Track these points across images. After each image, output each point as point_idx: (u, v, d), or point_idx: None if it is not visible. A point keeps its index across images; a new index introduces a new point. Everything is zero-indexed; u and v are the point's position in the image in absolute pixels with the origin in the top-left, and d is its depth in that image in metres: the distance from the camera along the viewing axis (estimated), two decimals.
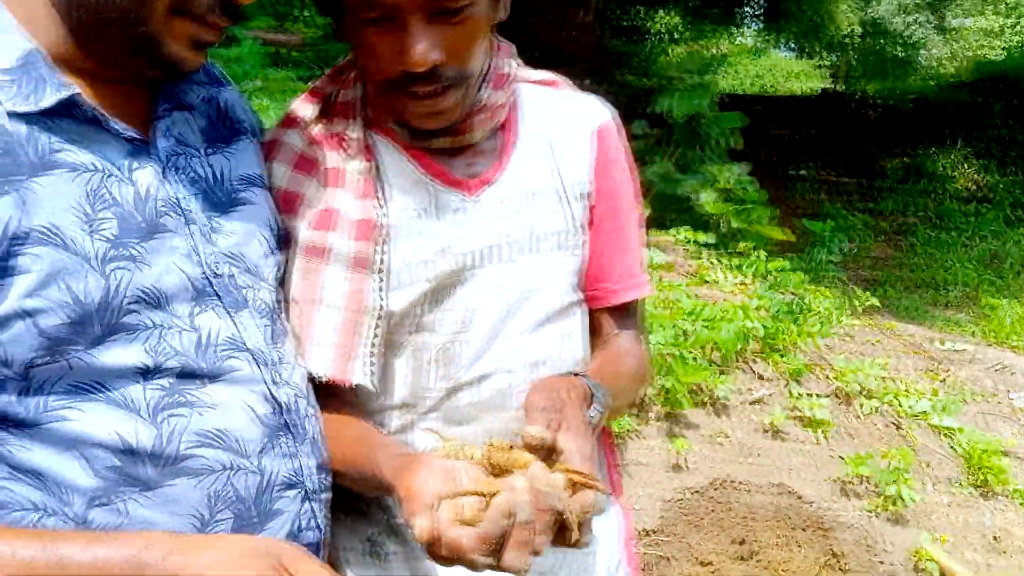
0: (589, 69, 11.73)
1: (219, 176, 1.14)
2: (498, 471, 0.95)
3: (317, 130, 1.26)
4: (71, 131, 0.97)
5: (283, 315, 1.19)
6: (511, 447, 0.97)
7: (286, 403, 1.11)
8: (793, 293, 4.34)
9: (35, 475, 0.95)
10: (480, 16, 1.13)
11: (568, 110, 1.36)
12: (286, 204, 1.22)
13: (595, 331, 1.40)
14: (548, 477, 0.91)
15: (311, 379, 1.20)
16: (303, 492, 1.13)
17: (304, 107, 1.28)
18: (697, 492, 3.38)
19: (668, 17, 21.29)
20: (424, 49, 1.09)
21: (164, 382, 1.00)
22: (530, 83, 1.38)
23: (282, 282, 1.22)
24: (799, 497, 3.50)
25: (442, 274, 1.21)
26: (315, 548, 1.16)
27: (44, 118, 0.95)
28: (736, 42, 27.62)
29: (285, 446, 1.10)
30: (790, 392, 3.81)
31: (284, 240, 1.22)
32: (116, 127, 1.00)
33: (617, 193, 1.36)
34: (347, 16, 1.13)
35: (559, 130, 1.33)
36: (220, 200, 1.12)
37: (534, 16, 12.67)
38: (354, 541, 1.30)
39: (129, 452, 0.97)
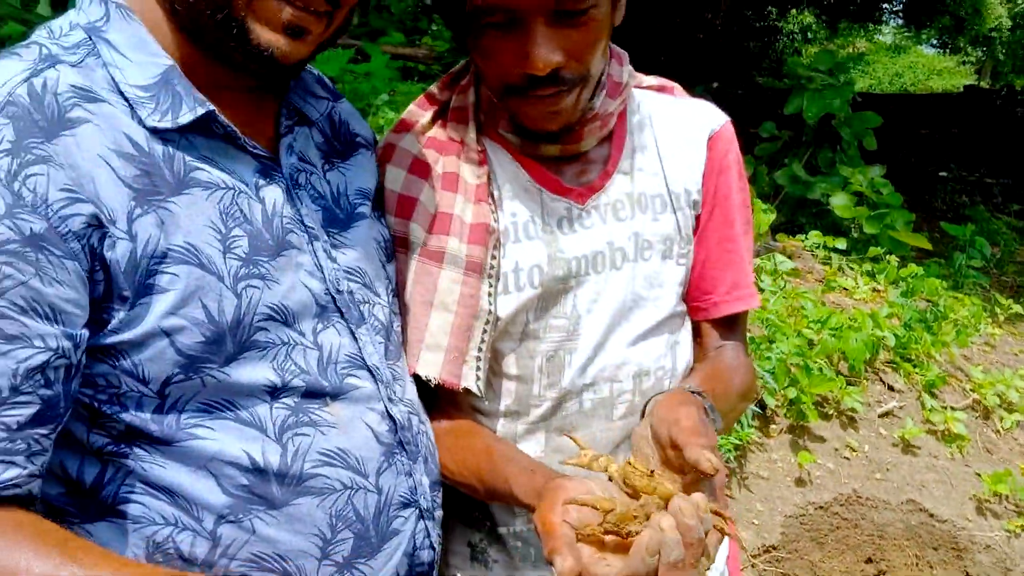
0: (719, 71, 11.55)
1: (337, 192, 1.15)
2: (633, 493, 0.95)
3: (432, 135, 1.28)
4: (205, 148, 0.99)
5: (396, 330, 1.19)
6: (652, 472, 0.95)
7: (401, 420, 1.11)
8: (928, 300, 4.14)
9: (168, 491, 0.97)
10: (600, 18, 1.13)
11: (681, 116, 1.35)
12: (401, 207, 1.24)
13: (698, 341, 1.39)
14: (693, 511, 0.88)
15: (420, 383, 1.21)
16: (418, 511, 1.14)
17: (419, 112, 1.31)
18: (822, 508, 3.27)
19: (802, 16, 20.77)
20: (546, 52, 1.09)
21: (290, 401, 1.01)
22: (643, 88, 1.39)
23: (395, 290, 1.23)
24: (932, 515, 3.35)
25: (550, 280, 1.22)
26: (430, 567, 1.17)
27: (180, 135, 0.97)
28: (875, 40, 26.67)
29: (401, 464, 1.11)
30: (923, 405, 3.64)
31: (393, 245, 1.24)
32: (247, 144, 1.02)
33: (728, 201, 1.34)
34: (470, 22, 1.14)
35: (670, 136, 1.32)
36: (339, 216, 1.14)
37: (663, 19, 12.57)
38: (459, 545, 1.31)
39: (257, 471, 0.99)
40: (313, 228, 1.08)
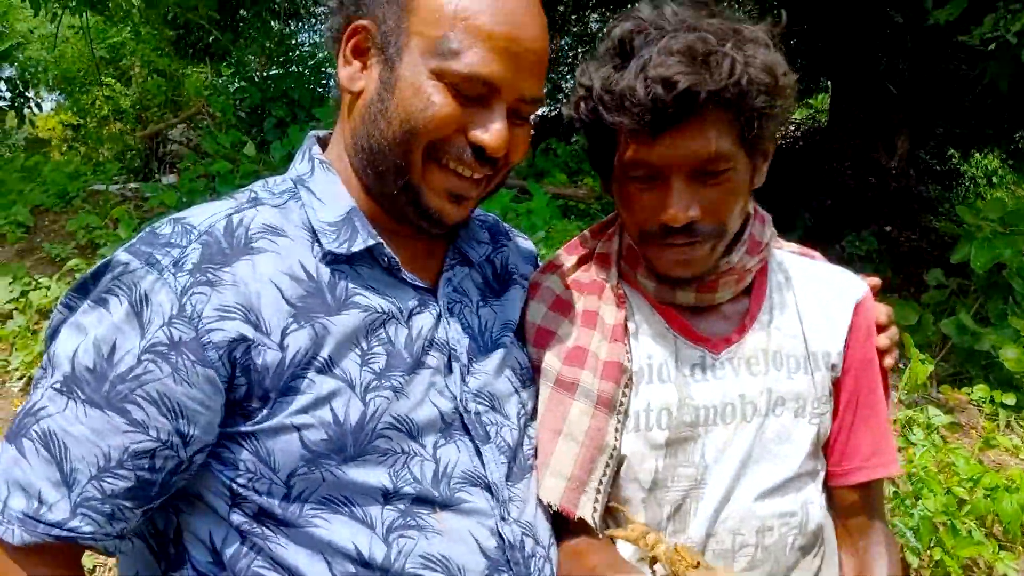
0: (891, 214, 11.31)
1: (485, 325, 1.30)
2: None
3: (575, 277, 1.42)
4: (369, 276, 1.17)
5: (522, 452, 1.29)
6: (698, 563, 1.03)
7: (511, 540, 1.19)
8: None
9: (288, 570, 1.10)
10: (738, 180, 1.26)
11: (823, 279, 1.44)
12: (539, 339, 1.36)
13: (833, 504, 1.44)
14: None
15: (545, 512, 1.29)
16: None
17: (567, 256, 1.45)
18: None
19: (986, 160, 20.12)
20: (683, 207, 1.22)
21: (401, 505, 1.13)
22: (786, 252, 1.49)
23: (534, 415, 1.34)
24: None
25: (680, 425, 1.30)
26: None
27: (350, 266, 1.16)
28: None
29: None
30: None
31: (532, 373, 1.36)
32: (406, 276, 1.20)
33: (870, 368, 1.41)
34: (615, 172, 1.29)
35: (812, 298, 1.41)
36: (481, 346, 1.28)
37: (835, 160, 12.50)
38: None
39: (363, 563, 1.10)
40: (456, 351, 1.21)
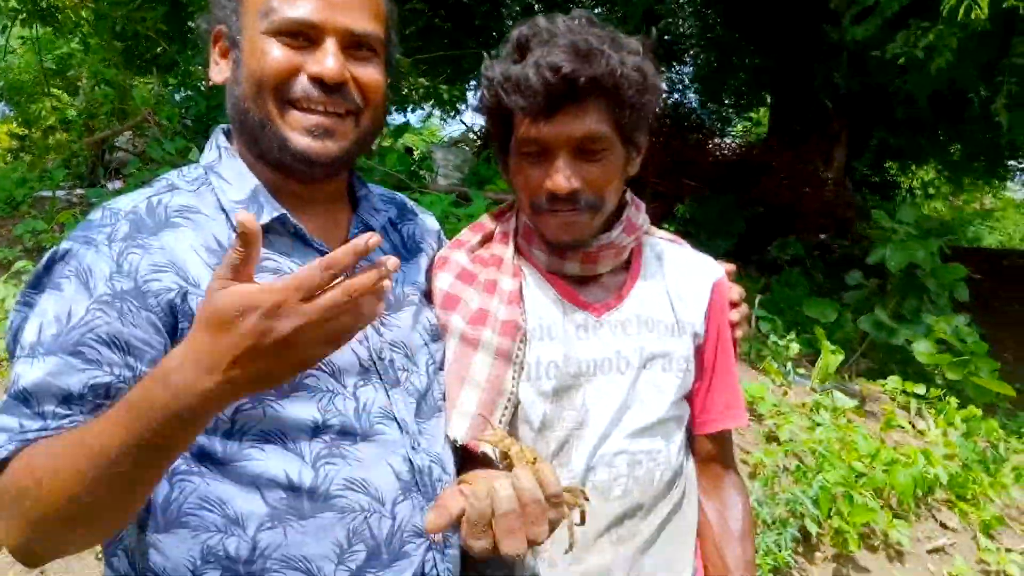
0: (825, 223, 11.73)
1: (394, 285, 1.48)
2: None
3: (479, 252, 1.63)
4: (280, 245, 1.35)
5: (431, 395, 1.48)
6: (535, 459, 1.24)
7: (420, 466, 1.38)
8: (989, 442, 4.18)
9: (220, 504, 1.25)
10: (613, 162, 1.48)
11: (688, 262, 1.69)
12: (447, 303, 1.56)
13: (696, 453, 1.69)
14: (531, 480, 1.17)
15: (453, 448, 1.48)
16: (427, 542, 1.38)
17: (472, 234, 1.66)
18: None
19: (921, 172, 20.78)
20: (566, 177, 1.44)
21: (327, 437, 1.29)
22: (658, 238, 1.73)
23: (442, 366, 1.53)
24: None
25: (565, 375, 1.51)
26: None
27: (262, 233, 1.32)
28: (1000, 196, 26.26)
29: (416, 501, 1.36)
30: (978, 545, 3.68)
31: (439, 331, 1.55)
32: (313, 242, 1.38)
33: (724, 337, 1.66)
34: (511, 152, 1.51)
35: (678, 276, 1.65)
36: (391, 302, 1.47)
37: (772, 172, 12.87)
38: None
39: (293, 488, 1.26)
40: None
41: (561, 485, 1.20)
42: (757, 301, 5.92)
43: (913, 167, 19.80)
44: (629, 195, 1.63)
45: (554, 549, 1.47)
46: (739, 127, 19.91)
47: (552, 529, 1.20)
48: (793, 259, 9.32)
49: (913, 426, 4.72)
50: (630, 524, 1.53)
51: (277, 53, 1.29)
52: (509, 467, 1.27)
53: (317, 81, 1.29)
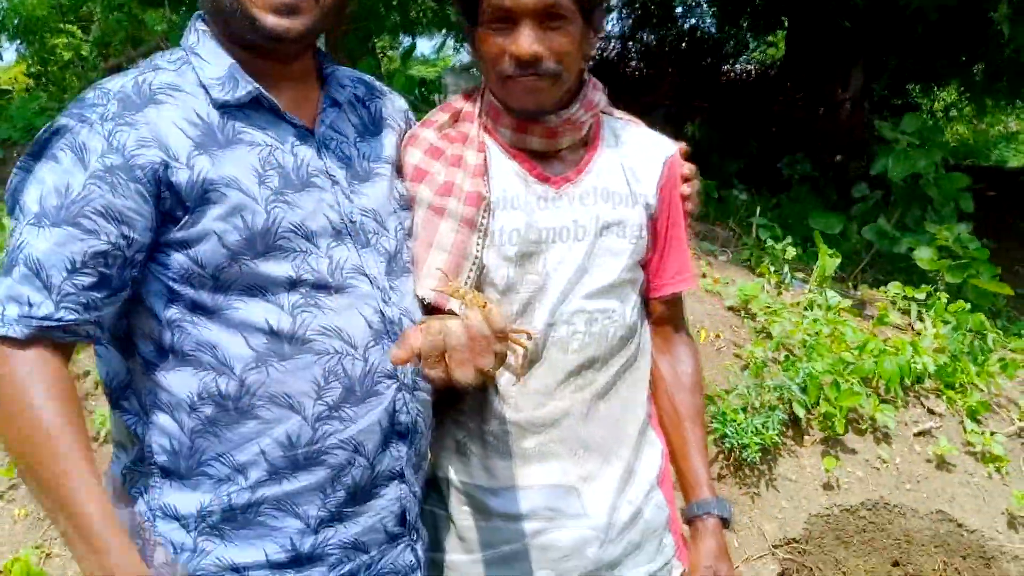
0: (843, 144, 11.70)
1: (362, 156, 1.63)
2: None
3: (446, 130, 1.76)
4: (256, 118, 1.48)
5: (401, 257, 1.62)
6: (485, 304, 1.39)
7: (390, 317, 1.54)
8: (978, 333, 4.31)
9: (211, 347, 1.43)
10: (574, 33, 1.59)
11: (644, 140, 1.82)
12: (416, 176, 1.70)
13: (650, 315, 1.85)
14: (481, 319, 1.32)
15: (422, 305, 1.63)
16: (398, 383, 1.55)
17: (440, 114, 1.79)
18: (848, 511, 3.50)
19: (944, 94, 20.48)
20: (529, 42, 1.55)
21: (303, 290, 1.46)
22: (616, 118, 1.86)
23: (411, 233, 1.68)
24: (960, 525, 3.52)
25: (526, 242, 1.66)
26: (406, 429, 1.57)
27: (237, 109, 1.47)
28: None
29: (386, 347, 1.52)
30: (964, 428, 3.83)
31: (409, 202, 1.69)
32: (287, 116, 1.52)
33: (676, 209, 1.81)
34: (479, 25, 1.62)
35: (634, 153, 1.78)
36: (360, 172, 1.60)
37: (789, 94, 12.79)
38: (447, 441, 1.73)
39: (273, 333, 1.43)
40: (336, 177, 1.54)
41: (506, 323, 1.36)
42: (758, 212, 6.02)
43: (935, 89, 19.53)
44: (587, 75, 1.75)
45: (514, 392, 1.65)
46: (757, 53, 19.66)
47: (500, 362, 1.35)
48: (803, 176, 9.35)
49: (911, 327, 4.84)
50: (587, 375, 1.69)
51: None
52: (430, 311, 1.44)
53: None
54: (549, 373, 1.66)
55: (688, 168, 1.87)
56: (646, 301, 1.83)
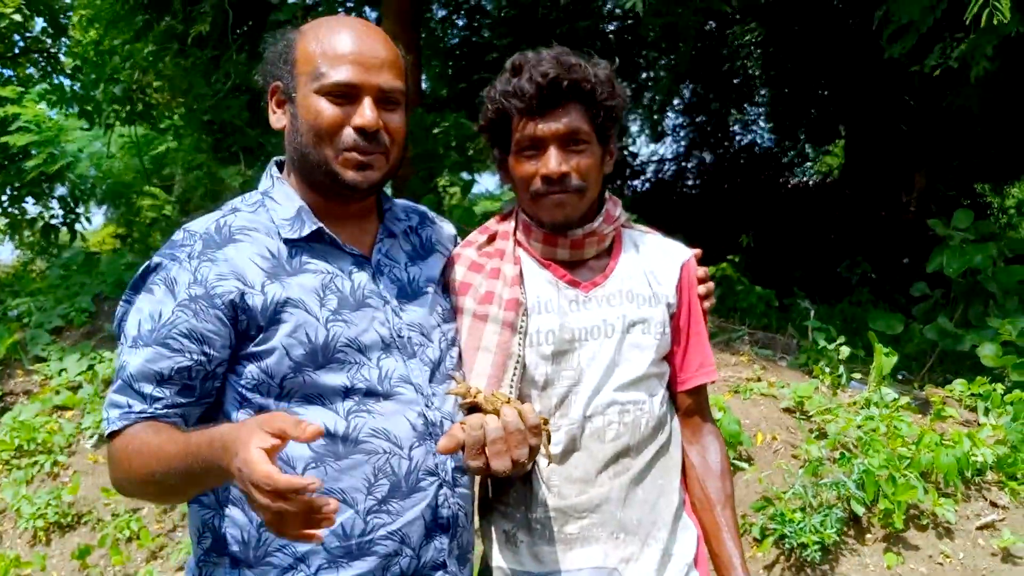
0: (908, 247, 11.69)
1: (412, 279, 1.86)
2: (495, 411, 1.59)
3: (485, 248, 2.00)
4: (318, 251, 1.74)
5: (444, 365, 1.82)
6: (509, 399, 1.61)
7: (432, 420, 1.74)
8: None
9: None
10: (593, 154, 1.85)
11: (661, 247, 2.05)
12: (461, 289, 1.93)
13: (678, 408, 2.02)
14: (515, 415, 1.55)
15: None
16: (439, 480, 1.74)
17: (479, 236, 2.03)
18: None
19: (1015, 190, 20.26)
20: (557, 163, 1.81)
21: (356, 397, 1.67)
22: (637, 230, 2.10)
23: (454, 342, 1.88)
24: None
25: (561, 341, 1.86)
26: (448, 522, 1.75)
27: (304, 243, 1.73)
28: None
29: (429, 447, 1.72)
30: None
31: (453, 315, 1.90)
32: (347, 248, 1.77)
33: (693, 307, 2.01)
34: (511, 153, 1.88)
35: (653, 258, 2.01)
36: (410, 292, 1.84)
37: (849, 198, 12.82)
38: (497, 532, 1.90)
39: (330, 435, 1.64)
40: (387, 297, 1.78)
41: (538, 419, 1.57)
42: (812, 315, 6.10)
43: (1004, 185, 19.37)
44: (607, 193, 2.00)
45: (556, 478, 1.83)
46: (816, 163, 19.87)
47: (534, 455, 1.58)
48: (866, 280, 9.39)
49: (976, 422, 4.82)
50: (624, 462, 1.86)
51: (328, 109, 1.68)
52: (471, 412, 1.62)
53: (360, 131, 1.68)
54: (589, 461, 1.83)
55: (703, 271, 2.08)
56: (673, 395, 2.00)
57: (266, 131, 7.91)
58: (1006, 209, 20.24)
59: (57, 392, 5.80)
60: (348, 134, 1.68)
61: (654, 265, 1.98)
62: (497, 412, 1.59)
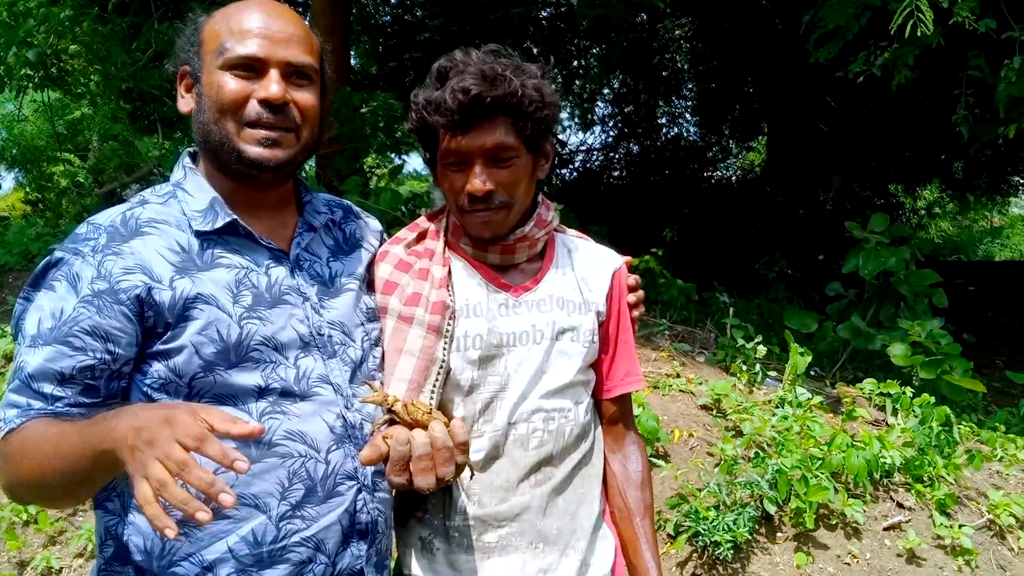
0: (824, 246, 12.00)
1: (334, 274, 1.79)
2: (413, 423, 1.54)
3: (415, 247, 1.93)
4: (233, 244, 1.65)
5: (366, 365, 1.76)
6: (431, 410, 1.55)
7: (352, 422, 1.68)
8: (943, 427, 4.40)
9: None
10: (522, 167, 1.78)
11: (593, 254, 2.01)
12: (387, 288, 1.85)
13: (602, 415, 1.99)
14: (443, 431, 1.49)
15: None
16: (358, 484, 1.68)
17: (408, 232, 1.97)
18: None
19: (927, 192, 20.93)
20: (482, 181, 1.74)
21: (270, 398, 1.59)
22: (569, 235, 2.05)
23: (377, 342, 1.82)
24: None
25: (488, 346, 1.81)
26: (366, 528, 1.69)
27: (217, 236, 1.63)
28: (1006, 212, 26.42)
29: (347, 450, 1.66)
30: (934, 522, 3.90)
31: (377, 314, 1.83)
32: (263, 241, 1.68)
33: (624, 316, 1.98)
34: (438, 163, 1.81)
35: (585, 265, 1.97)
36: (331, 289, 1.76)
37: (769, 195, 13.11)
38: (413, 539, 1.85)
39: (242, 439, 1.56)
40: (307, 294, 1.70)
41: (468, 436, 1.52)
42: (731, 312, 6.18)
43: (917, 188, 19.99)
44: (540, 196, 1.94)
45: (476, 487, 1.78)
46: (738, 159, 20.25)
47: (459, 472, 1.52)
48: (782, 277, 9.58)
49: (885, 423, 4.94)
50: (546, 470, 1.82)
51: (232, 83, 1.60)
52: (390, 422, 1.57)
53: (264, 103, 1.60)
54: (511, 468, 1.79)
55: (634, 279, 2.04)
56: (597, 403, 1.97)
57: None
58: (917, 210, 20.97)
59: None
60: (252, 107, 1.61)
61: (585, 272, 1.95)
62: (418, 424, 1.54)
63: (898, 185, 18.89)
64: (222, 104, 1.60)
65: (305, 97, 1.67)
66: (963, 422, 4.63)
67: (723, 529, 3.57)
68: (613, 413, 1.98)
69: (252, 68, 1.60)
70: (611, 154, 16.59)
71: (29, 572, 4.02)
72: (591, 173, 15.95)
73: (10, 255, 7.09)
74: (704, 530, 3.60)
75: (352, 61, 11.20)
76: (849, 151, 13.24)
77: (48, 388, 1.49)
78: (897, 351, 6.03)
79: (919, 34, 5.50)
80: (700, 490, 3.79)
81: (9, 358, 5.50)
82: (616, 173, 16.34)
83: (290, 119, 1.64)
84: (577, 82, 15.28)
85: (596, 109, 16.59)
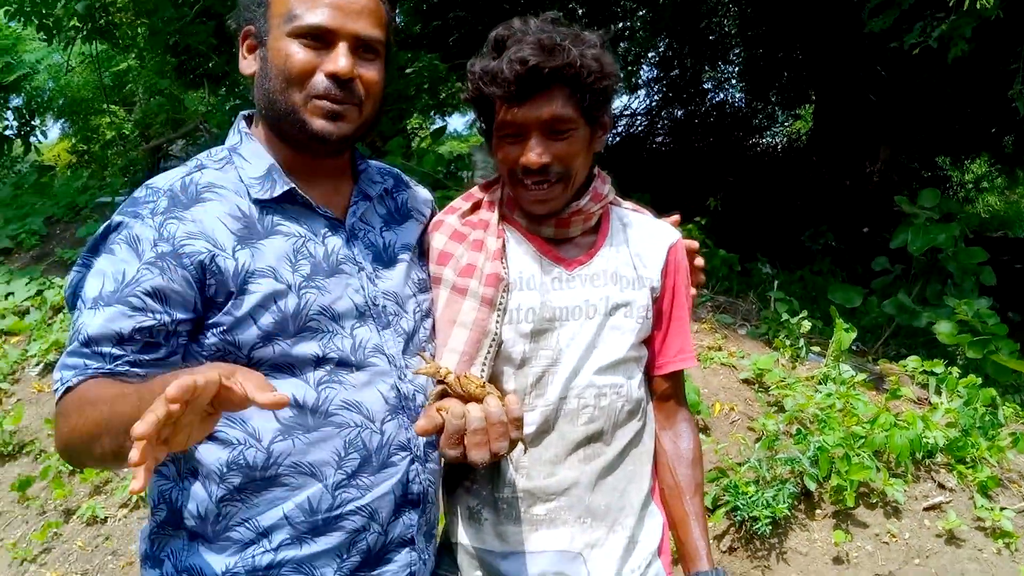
0: (870, 218, 11.80)
1: (388, 244, 1.78)
2: (466, 397, 1.54)
3: (469, 217, 1.92)
4: (291, 212, 1.64)
5: (417, 337, 1.76)
6: (484, 384, 1.55)
7: (405, 393, 1.68)
8: (988, 407, 4.34)
9: (242, 421, 1.56)
10: (579, 139, 1.75)
11: (649, 228, 1.97)
12: (441, 259, 1.85)
13: (654, 391, 1.98)
14: (499, 405, 1.49)
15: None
16: (411, 455, 1.69)
17: (463, 203, 1.95)
18: None
19: (975, 166, 20.50)
20: (537, 153, 1.72)
21: (327, 367, 1.59)
22: (625, 208, 2.02)
23: (428, 314, 1.81)
24: None
25: (541, 320, 1.80)
26: (418, 498, 1.71)
27: (275, 204, 1.62)
28: None
29: (401, 421, 1.67)
30: (975, 503, 3.86)
31: (428, 285, 1.83)
32: (320, 209, 1.67)
33: (678, 292, 1.95)
34: (493, 134, 1.79)
35: (640, 239, 1.94)
36: (385, 259, 1.76)
37: (815, 165, 12.88)
38: (461, 508, 1.85)
39: (299, 407, 1.57)
40: (362, 263, 1.69)
41: (523, 412, 1.51)
42: (775, 285, 6.12)
43: (965, 161, 19.58)
44: (596, 169, 1.91)
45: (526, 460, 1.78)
46: (791, 126, 19.93)
47: (513, 447, 1.52)
48: (828, 249, 9.45)
49: (928, 402, 4.88)
50: (595, 446, 1.81)
51: (300, 53, 1.58)
52: (443, 394, 1.57)
53: (332, 77, 1.58)
54: (560, 443, 1.78)
55: (693, 244, 2.02)
56: (649, 379, 1.96)
57: (232, 59, 7.69)
58: (964, 184, 20.54)
59: (3, 316, 5.66)
60: (319, 80, 1.59)
61: (641, 247, 1.92)
62: (471, 397, 1.53)
63: (946, 158, 18.51)
64: (289, 75, 1.58)
65: (371, 72, 1.64)
66: (1008, 403, 4.53)
67: (762, 504, 3.57)
68: (665, 390, 1.97)
69: (321, 38, 1.58)
70: (655, 119, 16.38)
71: (75, 520, 4.13)
72: (634, 138, 15.78)
73: (57, 207, 7.19)
74: (743, 504, 3.60)
75: (396, 19, 11.12)
76: (898, 122, 12.94)
77: (107, 348, 1.48)
78: (943, 329, 5.93)
79: (978, 6, 5.34)
80: (740, 465, 3.78)
81: (57, 310, 5.59)
82: (659, 139, 16.15)
83: (355, 94, 1.62)
84: (622, 44, 15.07)
85: (640, 73, 16.36)
